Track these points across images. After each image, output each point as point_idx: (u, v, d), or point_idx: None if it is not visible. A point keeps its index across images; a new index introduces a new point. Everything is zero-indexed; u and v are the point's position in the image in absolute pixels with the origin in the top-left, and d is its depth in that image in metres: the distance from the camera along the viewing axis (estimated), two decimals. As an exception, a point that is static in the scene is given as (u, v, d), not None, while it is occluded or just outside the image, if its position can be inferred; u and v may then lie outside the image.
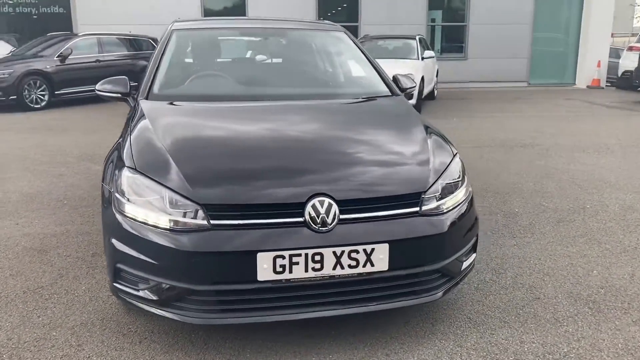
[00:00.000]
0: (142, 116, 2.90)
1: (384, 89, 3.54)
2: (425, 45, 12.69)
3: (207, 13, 15.60)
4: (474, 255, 2.80)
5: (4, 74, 10.66)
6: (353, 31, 15.71)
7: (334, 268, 2.26)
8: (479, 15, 16.19)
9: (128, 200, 2.36)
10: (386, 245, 2.31)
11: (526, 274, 3.30)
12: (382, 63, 10.61)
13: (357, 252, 2.28)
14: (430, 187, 2.49)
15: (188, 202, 2.26)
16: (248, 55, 3.97)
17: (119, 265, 2.37)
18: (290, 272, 2.22)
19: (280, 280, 2.23)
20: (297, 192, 2.31)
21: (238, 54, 3.86)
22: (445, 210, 2.52)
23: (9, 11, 15.34)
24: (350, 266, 2.28)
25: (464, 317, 2.80)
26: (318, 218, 2.25)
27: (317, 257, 2.24)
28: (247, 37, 3.97)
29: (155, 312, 2.33)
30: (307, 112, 3.12)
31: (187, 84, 3.43)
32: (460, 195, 2.64)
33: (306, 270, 2.24)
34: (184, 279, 2.23)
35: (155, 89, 3.27)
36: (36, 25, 15.25)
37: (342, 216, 2.30)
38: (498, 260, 3.50)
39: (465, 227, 2.63)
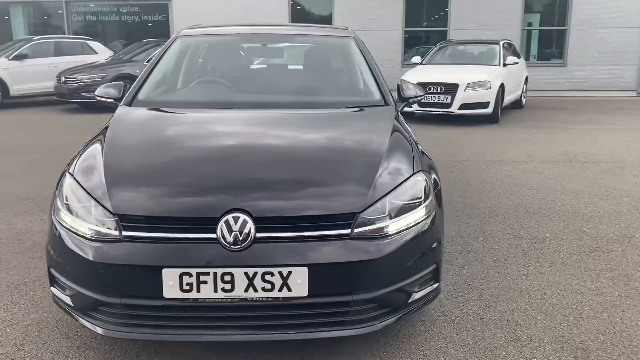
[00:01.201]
0: (108, 123, 2.92)
1: (376, 98, 3.31)
2: (514, 51, 11.94)
3: (295, 19, 15.83)
4: (434, 286, 2.51)
5: (97, 77, 11.51)
6: (442, 36, 15.21)
7: (246, 290, 2.12)
8: (581, 18, 14.95)
9: (63, 205, 2.38)
10: (305, 269, 2.12)
11: (519, 310, 2.92)
12: (458, 69, 10.30)
13: (271, 274, 2.11)
14: (368, 207, 2.26)
15: (106, 212, 2.22)
16: (247, 62, 3.89)
17: (51, 270, 2.39)
18: (198, 291, 2.11)
19: (188, 299, 2.12)
20: (212, 207, 2.19)
21: (236, 60, 3.81)
22: (389, 233, 2.28)
23: (117, 19, 16.59)
24: (264, 289, 2.12)
25: (420, 354, 2.52)
26: (230, 235, 2.12)
27: (227, 278, 2.10)
28: (249, 45, 3.91)
29: (77, 319, 2.31)
30: (273, 123, 2.99)
31: (176, 90, 3.44)
32: (415, 217, 2.38)
33: (215, 291, 2.11)
34: (94, 289, 2.19)
35: (142, 94, 3.29)
36: (139, 33, 16.34)
37: (260, 234, 2.15)
38: (494, 292, 3.13)
39: (416, 253, 2.36)
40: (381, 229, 2.28)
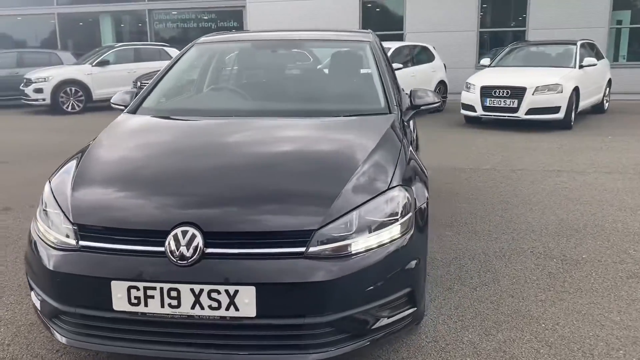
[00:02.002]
0: (102, 131, 2.97)
1: (380, 106, 3.14)
2: (595, 51, 11.10)
3: (365, 23, 15.69)
4: (410, 311, 2.32)
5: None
6: (520, 36, 14.47)
7: (193, 307, 2.05)
8: (678, 14, 13.66)
9: (40, 212, 2.43)
10: (252, 289, 2.02)
11: (521, 341, 2.64)
12: (528, 72, 9.72)
13: (218, 292, 2.03)
14: (328, 223, 2.12)
15: (67, 221, 2.24)
16: (256, 69, 3.82)
17: (27, 275, 2.45)
18: (146, 305, 2.07)
19: (136, 313, 2.09)
20: (163, 220, 2.14)
21: (244, 68, 3.76)
22: (353, 252, 2.13)
23: (195, 26, 17.24)
24: (211, 307, 2.04)
25: (392, 383, 2.34)
26: (178, 250, 2.06)
27: (174, 293, 2.05)
28: (261, 51, 3.84)
29: (46, 326, 2.35)
30: (256, 132, 2.89)
31: (182, 97, 3.44)
32: (387, 235, 2.22)
33: (162, 306, 2.06)
34: (53, 297, 2.22)
35: (149, 102, 3.32)
36: (215, 38, 16.87)
37: (210, 250, 2.07)
38: (500, 318, 2.86)
39: (385, 274, 2.19)
40: (344, 247, 2.13)
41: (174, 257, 2.05)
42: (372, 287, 2.16)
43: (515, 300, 3.06)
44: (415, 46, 12.22)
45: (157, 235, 2.10)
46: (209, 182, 2.34)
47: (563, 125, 9.28)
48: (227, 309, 2.04)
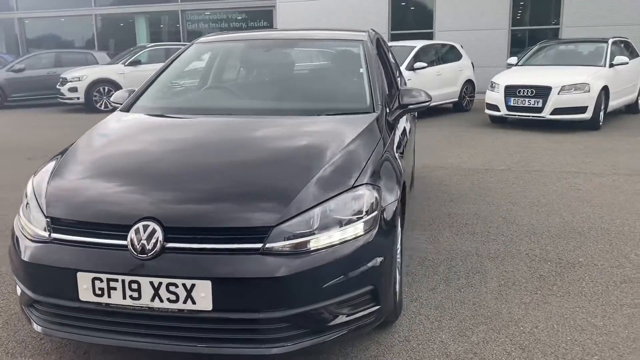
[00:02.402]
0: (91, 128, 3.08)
1: (365, 105, 3.14)
2: (631, 50, 10.74)
3: (395, 22, 15.59)
4: (373, 309, 2.33)
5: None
6: (553, 34, 14.12)
7: (152, 300, 2.12)
8: None
9: (24, 205, 2.54)
10: (208, 283, 2.07)
11: (495, 343, 2.61)
12: (555, 71, 9.49)
13: (175, 285, 2.09)
14: (287, 220, 2.15)
15: (41, 214, 2.34)
16: (246, 68, 3.86)
17: (10, 266, 2.57)
18: (109, 296, 2.15)
19: (100, 304, 2.17)
20: (126, 214, 2.21)
21: (235, 67, 3.81)
22: (312, 249, 2.15)
23: (226, 26, 17.49)
24: (169, 300, 2.10)
25: (354, 380, 2.35)
26: (139, 243, 2.12)
27: (134, 286, 2.12)
28: (255, 51, 3.88)
29: (25, 315, 2.45)
30: (232, 130, 2.95)
31: (173, 96, 3.52)
32: (350, 232, 2.24)
33: (124, 298, 2.13)
34: (28, 287, 2.32)
35: (143, 100, 3.41)
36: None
37: (170, 244, 2.13)
38: (479, 320, 2.83)
39: (344, 272, 2.20)
40: (303, 243, 2.16)
41: (135, 251, 2.12)
42: (330, 284, 2.18)
43: (498, 303, 3.02)
44: (441, 45, 12.09)
45: (120, 229, 2.17)
46: (174, 179, 2.41)
47: (590, 125, 9.02)
48: (185, 302, 2.09)
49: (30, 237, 2.34)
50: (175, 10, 17.54)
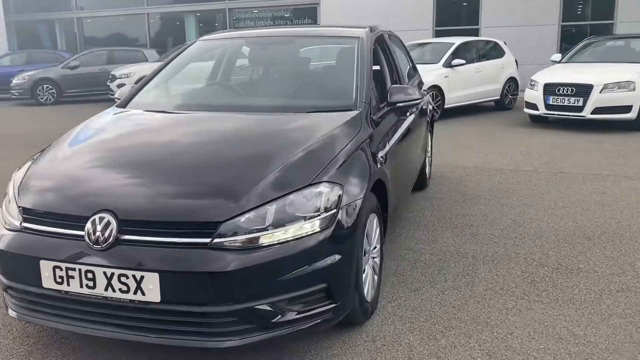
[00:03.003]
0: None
1: (349, 102, 3.11)
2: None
3: (440, 16, 15.32)
4: (328, 307, 2.33)
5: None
6: (607, 30, 13.49)
7: (106, 289, 2.19)
8: None
9: (5, 196, 2.68)
10: (156, 275, 2.13)
11: (463, 348, 2.54)
12: (598, 68, 9.10)
13: (127, 277, 2.15)
14: (237, 215, 2.18)
15: (16, 204, 2.46)
16: (241, 65, 3.89)
17: None
18: (68, 284, 2.23)
19: (60, 291, 2.26)
20: (86, 206, 2.29)
21: (231, 64, 3.85)
22: (263, 244, 2.17)
23: (270, 24, 17.67)
24: (121, 290, 2.17)
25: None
26: (94, 235, 2.20)
27: (90, 275, 2.20)
28: (254, 48, 3.91)
29: (4, 299, 2.59)
30: (209, 126, 3.00)
31: (168, 93, 3.60)
32: (304, 229, 2.24)
33: (81, 286, 2.22)
34: (1, 272, 2.44)
35: (139, 97, 3.51)
36: (291, 35, 17.21)
37: (124, 237, 2.20)
38: (453, 323, 2.76)
39: (296, 268, 2.21)
40: (253, 239, 2.18)
41: (91, 241, 2.20)
42: (280, 281, 2.19)
43: (479, 307, 2.94)
44: (482, 41, 11.78)
45: (79, 220, 2.26)
46: (135, 173, 2.47)
47: (636, 126, 8.57)
48: (135, 293, 2.15)
49: (7, 227, 2.46)
50: (223, 8, 17.88)
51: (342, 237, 2.36)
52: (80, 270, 2.20)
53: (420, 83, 5.13)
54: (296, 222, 2.25)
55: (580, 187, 5.34)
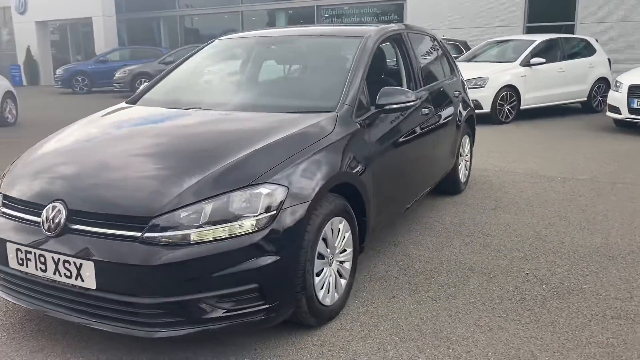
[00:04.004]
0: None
1: (329, 104, 3.08)
2: None
3: (531, 15, 14.50)
4: (261, 307, 2.35)
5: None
6: None
7: (54, 273, 2.36)
8: None
9: None
10: (92, 264, 2.26)
11: (398, 359, 2.45)
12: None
13: (69, 263, 2.31)
14: (168, 212, 2.26)
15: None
16: (244, 64, 3.93)
17: None
18: (27, 266, 2.44)
19: (22, 272, 2.47)
20: (44, 194, 2.48)
21: (233, 63, 3.92)
22: (192, 241, 2.24)
23: (356, 20, 17.68)
24: (66, 276, 2.33)
25: (238, 375, 2.38)
26: (47, 222, 2.38)
27: (42, 259, 2.38)
28: (254, 48, 3.95)
29: None
30: (186, 122, 3.11)
31: (174, 89, 3.74)
32: (238, 229, 2.28)
33: (36, 269, 2.41)
34: None
35: (151, 93, 3.70)
36: (377, 32, 17.11)
37: (72, 225, 2.36)
38: (411, 335, 2.66)
39: (225, 266, 2.25)
40: (184, 235, 2.24)
41: (44, 228, 2.38)
42: (208, 278, 2.24)
43: (448, 321, 2.80)
44: (570, 39, 11.01)
45: (38, 208, 2.45)
46: (91, 166, 2.62)
47: None
48: (76, 279, 2.31)
49: (-5, 211, 2.73)
50: (312, 5, 18.15)
51: (281, 239, 2.36)
52: (35, 254, 2.39)
53: (454, 85, 4.91)
54: (231, 222, 2.29)
55: (633, 201, 4.87)
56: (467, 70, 9.96)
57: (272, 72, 3.71)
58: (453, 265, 3.49)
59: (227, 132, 2.91)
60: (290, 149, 2.62)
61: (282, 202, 2.39)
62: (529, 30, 14.37)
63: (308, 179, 2.56)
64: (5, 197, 2.66)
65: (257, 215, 2.32)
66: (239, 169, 2.45)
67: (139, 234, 2.25)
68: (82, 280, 2.30)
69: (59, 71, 18.55)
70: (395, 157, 3.46)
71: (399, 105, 3.21)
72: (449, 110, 4.56)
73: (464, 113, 4.93)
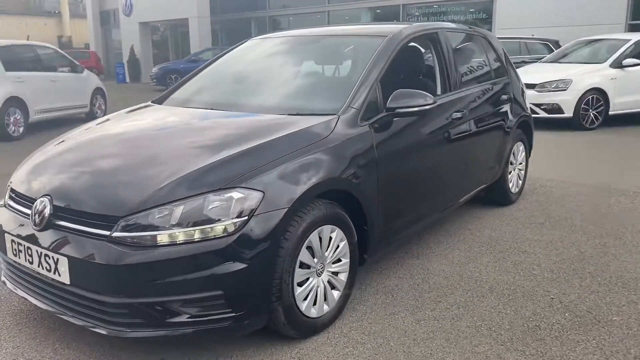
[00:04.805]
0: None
1: (332, 106, 2.94)
2: None
3: (635, 15, 13.29)
4: (225, 315, 2.29)
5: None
6: None
7: (39, 266, 2.44)
8: None
9: None
10: (66, 260, 2.31)
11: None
12: None
13: (49, 257, 2.38)
14: (137, 212, 2.25)
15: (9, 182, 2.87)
16: (263, 64, 3.87)
17: None
18: (19, 257, 2.54)
19: (16, 262, 2.58)
20: (36, 189, 2.58)
21: (253, 64, 3.86)
22: (159, 243, 2.22)
23: (445, 19, 17.12)
24: (47, 269, 2.40)
25: (204, 382, 2.33)
26: (34, 216, 2.47)
27: (30, 252, 2.47)
28: (278, 48, 3.85)
29: None
30: (176, 123, 3.13)
31: (196, 88, 3.77)
32: (204, 233, 2.24)
33: (26, 260, 2.50)
34: None
35: (178, 93, 3.75)
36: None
37: (57, 221, 2.42)
38: (364, 355, 2.48)
39: (190, 272, 2.21)
40: (152, 237, 2.23)
41: (32, 222, 2.47)
42: (171, 281, 2.21)
43: (444, 344, 2.58)
44: (675, 37, 9.93)
45: (30, 201, 2.55)
46: (81, 162, 2.69)
47: None
48: (54, 273, 2.37)
49: (1, 203, 2.88)
50: (397, 4, 17.84)
51: (250, 247, 2.28)
52: (25, 246, 2.49)
53: (503, 88, 4.55)
54: (199, 226, 2.24)
55: None
56: (550, 71, 9.33)
57: (285, 72, 3.62)
58: (472, 284, 3.23)
59: (216, 134, 2.88)
60: (276, 152, 2.53)
61: (254, 208, 2.31)
62: (632, 29, 13.19)
63: (290, 184, 2.46)
64: (12, 190, 2.79)
65: (225, 221, 2.26)
66: (215, 172, 2.39)
67: (108, 233, 2.27)
68: (59, 275, 2.35)
69: (154, 70, 19.66)
70: (412, 164, 3.26)
71: (412, 109, 3.01)
72: (493, 115, 4.24)
73: (513, 118, 4.56)
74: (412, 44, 3.69)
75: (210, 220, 2.25)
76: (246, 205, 2.30)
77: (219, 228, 2.25)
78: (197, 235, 2.23)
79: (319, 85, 3.45)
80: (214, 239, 2.24)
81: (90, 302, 2.31)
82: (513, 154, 4.72)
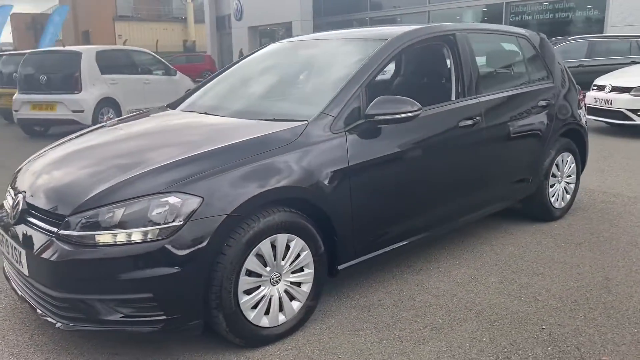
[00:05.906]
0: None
1: (307, 112, 2.86)
2: None
3: None
4: (157, 317, 2.33)
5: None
6: None
7: (12, 256, 2.65)
8: None
9: None
10: (24, 252, 2.48)
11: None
12: None
13: (16, 249, 2.57)
14: (79, 212, 2.35)
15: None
16: (263, 69, 3.82)
17: None
18: (3, 247, 2.77)
19: (4, 253, 2.81)
20: (19, 186, 2.78)
21: (255, 68, 3.82)
22: (98, 243, 2.31)
23: (548, 17, 16.02)
24: (16, 260, 2.60)
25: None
26: (11, 210, 2.68)
27: (7, 243, 2.69)
28: (284, 52, 3.80)
29: None
30: (165, 125, 3.24)
31: (202, 93, 3.85)
32: (136, 236, 2.29)
33: (7, 252, 2.73)
34: None
35: (193, 98, 3.86)
36: (572, 29, 15.34)
37: (27, 217, 2.60)
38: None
39: (122, 273, 2.28)
40: (89, 236, 2.31)
41: (9, 216, 2.68)
42: (107, 281, 2.29)
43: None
44: None
45: (16, 197, 2.77)
46: (53, 164, 2.85)
47: None
48: (19, 264, 2.56)
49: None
50: (500, 3, 16.95)
51: (184, 252, 2.30)
52: (4, 237, 2.71)
53: (542, 92, 4.14)
54: (136, 228, 2.30)
55: None
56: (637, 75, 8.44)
57: (276, 78, 3.60)
58: (461, 305, 3.00)
59: (179, 138, 2.95)
60: (229, 158, 2.53)
61: (191, 213, 2.32)
62: None
63: (236, 190, 2.44)
64: (12, 186, 3.05)
65: (160, 225, 2.29)
66: (157, 176, 2.43)
67: (55, 229, 2.40)
68: (22, 266, 2.53)
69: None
70: (396, 175, 3.04)
71: (393, 117, 2.85)
72: (523, 122, 3.89)
73: (555, 126, 4.15)
74: (422, 46, 3.50)
75: (148, 224, 2.30)
76: (183, 210, 2.32)
77: (153, 231, 2.29)
78: (133, 238, 2.29)
79: (303, 91, 3.39)
80: (147, 242, 2.28)
81: (43, 295, 2.46)
82: (557, 165, 4.30)
